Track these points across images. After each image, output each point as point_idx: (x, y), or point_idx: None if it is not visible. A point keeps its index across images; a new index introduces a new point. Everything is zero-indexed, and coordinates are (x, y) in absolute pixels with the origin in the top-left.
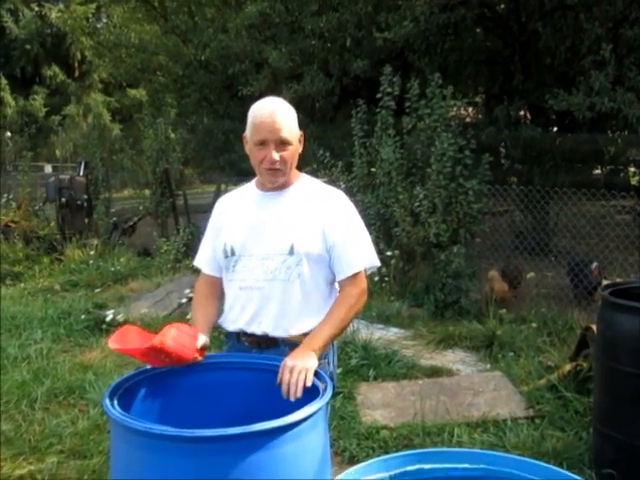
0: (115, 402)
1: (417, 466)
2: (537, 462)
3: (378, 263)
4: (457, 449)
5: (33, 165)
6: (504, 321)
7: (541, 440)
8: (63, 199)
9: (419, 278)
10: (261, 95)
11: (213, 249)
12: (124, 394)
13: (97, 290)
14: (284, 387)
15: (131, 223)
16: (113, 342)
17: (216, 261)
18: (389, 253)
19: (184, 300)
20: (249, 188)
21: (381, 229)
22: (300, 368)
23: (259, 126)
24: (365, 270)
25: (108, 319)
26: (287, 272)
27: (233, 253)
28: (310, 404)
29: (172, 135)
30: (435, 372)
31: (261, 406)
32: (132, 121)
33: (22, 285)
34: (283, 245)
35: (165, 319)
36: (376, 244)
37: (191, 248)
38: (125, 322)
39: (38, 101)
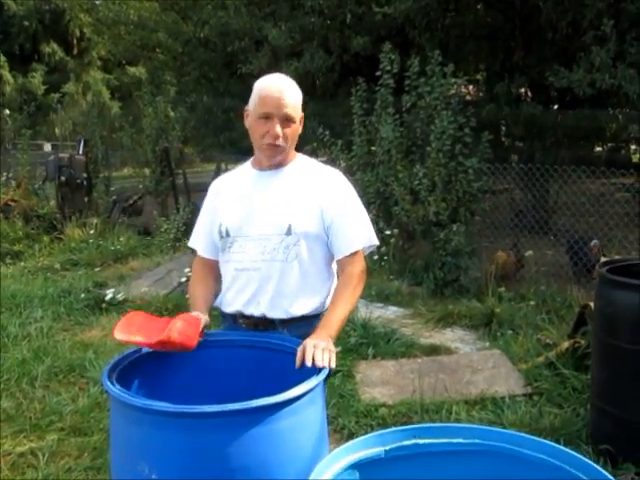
0: (114, 379)
1: (413, 441)
2: (531, 437)
3: (377, 242)
4: (452, 424)
5: (32, 144)
6: (503, 299)
7: (539, 417)
8: (63, 178)
9: (419, 256)
10: (261, 73)
11: (209, 231)
12: (124, 371)
13: (97, 269)
14: (309, 359)
15: (131, 202)
16: (119, 332)
17: (211, 243)
18: (388, 232)
19: (184, 279)
20: (245, 168)
21: (381, 208)
22: (324, 347)
23: (265, 99)
24: (364, 249)
25: (108, 298)
26: (285, 252)
27: (228, 234)
28: (308, 380)
29: (172, 113)
30: (434, 350)
31: (260, 383)
32: (132, 99)
33: (22, 264)
34: (280, 225)
35: (165, 298)
36: (375, 223)
37: (191, 227)
38: (125, 301)
39: (37, 79)
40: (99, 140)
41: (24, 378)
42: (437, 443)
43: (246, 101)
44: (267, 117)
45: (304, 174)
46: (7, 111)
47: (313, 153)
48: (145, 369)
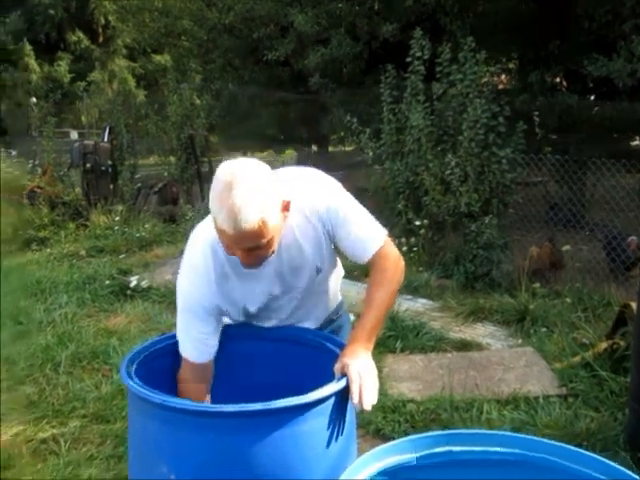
0: (133, 370)
1: (446, 448)
2: (575, 449)
3: (385, 231)
4: (489, 431)
5: (59, 131)
6: (537, 295)
7: (574, 419)
8: (88, 165)
9: (449, 249)
10: (287, 60)
11: (206, 330)
12: (144, 362)
13: (122, 256)
14: (355, 393)
15: (156, 189)
16: None
17: (209, 345)
18: (418, 222)
19: None
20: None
21: (410, 198)
22: (367, 373)
23: (220, 232)
24: (383, 243)
25: (132, 285)
26: (317, 286)
27: (255, 313)
28: (336, 380)
29: (197, 101)
30: (464, 345)
31: (289, 378)
32: (157, 87)
33: (48, 250)
34: (311, 275)
35: None
36: (404, 213)
37: None
38: (149, 288)
39: (63, 67)
40: (124, 128)
41: (48, 364)
42: (472, 451)
43: (271, 88)
44: (229, 247)
45: (299, 217)
46: (33, 99)
47: (340, 142)
48: (169, 360)
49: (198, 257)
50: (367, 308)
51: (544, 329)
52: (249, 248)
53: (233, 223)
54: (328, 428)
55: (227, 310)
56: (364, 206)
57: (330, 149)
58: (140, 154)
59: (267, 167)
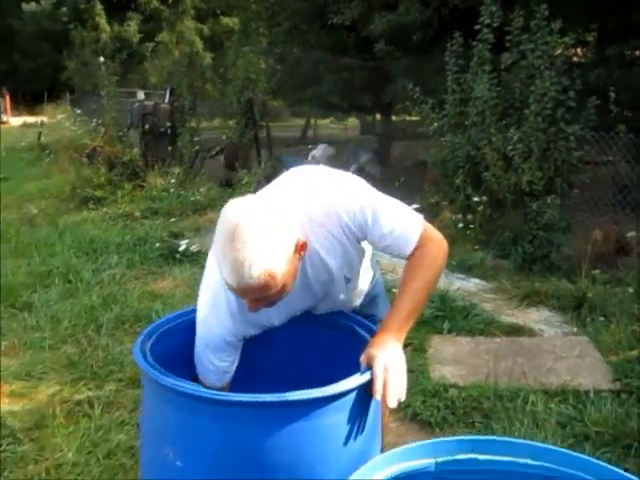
0: (149, 346)
1: (470, 455)
2: (616, 470)
3: (420, 217)
4: (519, 440)
5: (126, 91)
6: (597, 282)
7: (626, 418)
8: (146, 126)
9: (507, 228)
10: (353, 25)
11: (229, 360)
12: (163, 336)
13: (175, 219)
14: (378, 391)
15: (213, 152)
16: None
17: (230, 371)
18: (476, 199)
19: None
20: None
21: (470, 172)
22: (396, 370)
23: (226, 283)
24: (422, 230)
25: (181, 249)
26: (346, 293)
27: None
28: (360, 373)
29: (262, 64)
30: (515, 330)
31: (319, 363)
32: (224, 50)
33: (104, 210)
34: (338, 288)
35: None
36: (463, 189)
37: (272, 181)
38: (199, 253)
39: (132, 27)
40: (186, 90)
41: (91, 325)
42: (499, 461)
43: (335, 54)
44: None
45: (322, 233)
46: (102, 58)
47: (405, 112)
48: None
49: (218, 287)
50: (401, 296)
51: (602, 318)
52: (257, 299)
53: (237, 278)
54: (348, 424)
55: (251, 334)
56: (421, 180)
57: (394, 118)
58: (202, 117)
59: (278, 205)
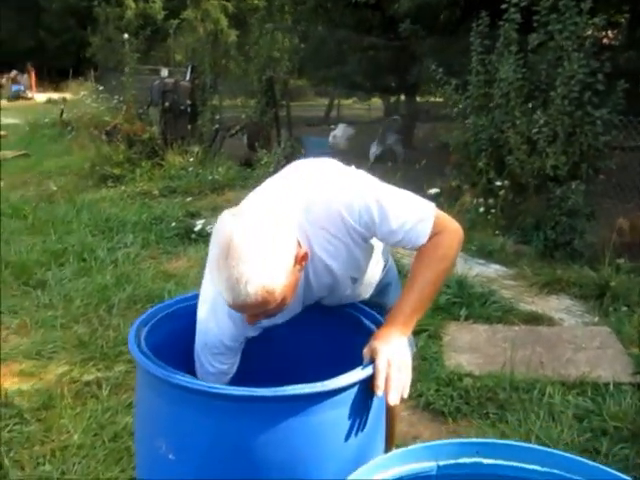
0: (144, 334)
1: (474, 459)
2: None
3: (432, 205)
4: (528, 445)
5: (150, 68)
6: (621, 271)
7: None
8: (166, 103)
9: (529, 213)
10: (378, 3)
11: (230, 362)
12: (161, 323)
13: (193, 198)
14: (380, 387)
15: (233, 132)
16: None
17: (231, 372)
18: (499, 183)
19: None
20: None
21: (492, 156)
22: (399, 365)
23: (224, 298)
24: (435, 220)
25: (197, 229)
26: (353, 290)
27: None
28: (362, 367)
29: (286, 43)
30: (534, 319)
31: (323, 354)
32: (248, 27)
33: (122, 188)
34: (344, 288)
35: None
36: (485, 172)
37: (291, 161)
38: None
39: (157, 4)
40: (208, 67)
41: (103, 305)
42: (506, 466)
43: (360, 33)
44: None
45: (324, 236)
46: (126, 35)
47: (430, 93)
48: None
49: (217, 292)
50: (410, 288)
51: (625, 308)
52: (255, 314)
53: (233, 295)
54: (347, 421)
55: (253, 335)
56: (443, 163)
57: (418, 99)
58: (226, 95)
59: (275, 212)
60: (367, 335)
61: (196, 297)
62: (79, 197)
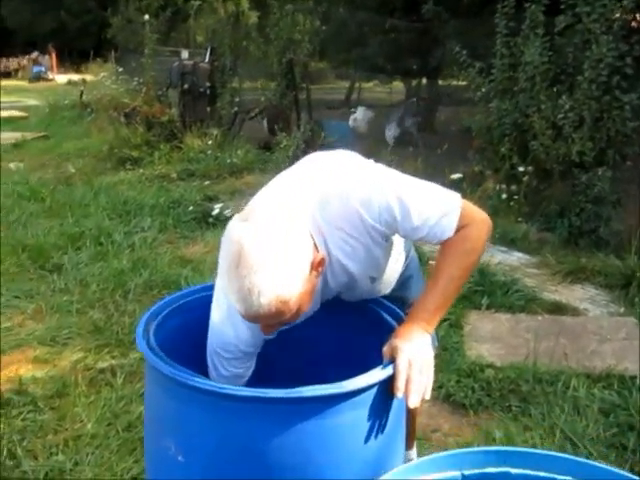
0: (154, 327)
1: (502, 469)
2: None
3: (457, 196)
4: (558, 454)
5: (170, 50)
6: None
7: None
8: (185, 85)
9: (553, 200)
10: None
11: (246, 365)
12: (171, 316)
13: (211, 181)
14: (400, 389)
15: (252, 114)
16: None
17: (246, 375)
18: (522, 169)
19: None
20: None
21: (516, 141)
22: (421, 365)
23: (237, 309)
24: (461, 212)
25: (215, 213)
26: (373, 288)
27: None
28: (382, 367)
29: (307, 25)
30: (558, 308)
31: (342, 351)
32: (268, 9)
33: (140, 170)
34: (363, 287)
35: None
36: (509, 158)
37: (311, 145)
38: (232, 217)
39: None
40: (228, 49)
41: (119, 290)
42: (535, 477)
43: (381, 15)
44: None
45: (340, 236)
46: (146, 16)
47: (453, 76)
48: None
49: None
50: (434, 282)
51: None
52: (270, 324)
53: (245, 306)
54: (365, 424)
55: (271, 338)
56: (466, 147)
57: (440, 83)
58: (244, 77)
59: (289, 215)
60: (387, 332)
61: (207, 289)
62: (97, 180)
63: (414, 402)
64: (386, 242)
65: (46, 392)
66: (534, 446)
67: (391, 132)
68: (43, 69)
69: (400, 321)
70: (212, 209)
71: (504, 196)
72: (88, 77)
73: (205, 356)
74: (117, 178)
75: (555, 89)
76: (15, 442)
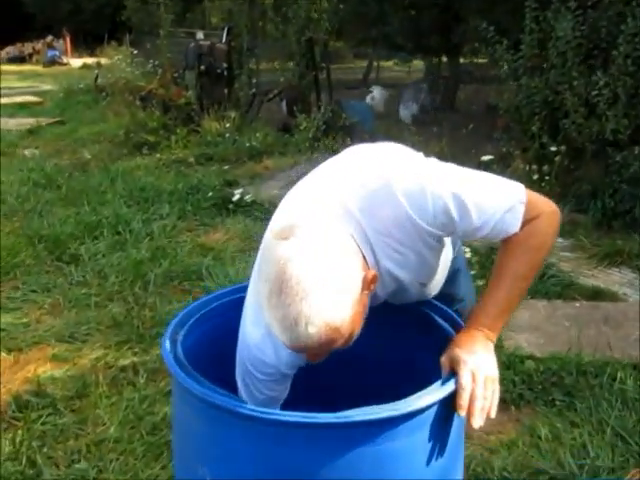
0: (181, 338)
1: None
2: None
3: (521, 187)
4: None
5: (186, 31)
6: None
7: None
8: (202, 67)
9: (586, 180)
10: None
11: (282, 387)
12: (201, 321)
13: (230, 165)
14: (463, 407)
15: (271, 96)
16: None
17: (282, 398)
18: (553, 148)
19: None
20: None
21: (546, 120)
22: (485, 379)
23: (280, 339)
24: (526, 205)
25: (235, 198)
26: (422, 292)
27: None
28: (442, 382)
29: (324, 3)
30: (596, 294)
31: (387, 354)
32: None
33: (157, 155)
34: (413, 292)
35: None
36: (539, 137)
37: (331, 126)
38: (253, 203)
39: None
40: (245, 29)
41: (138, 281)
42: None
43: None
44: None
45: (389, 244)
46: None
47: (473, 54)
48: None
49: None
50: (499, 282)
51: None
52: (319, 353)
53: (290, 338)
54: (423, 447)
55: None
56: (490, 127)
57: (461, 61)
58: (261, 58)
59: (335, 228)
60: (437, 335)
61: (236, 292)
62: (113, 166)
63: (478, 422)
64: (439, 244)
65: (66, 393)
66: (583, 444)
67: (407, 111)
68: (57, 53)
69: (451, 322)
70: (232, 195)
71: (535, 177)
72: (103, 60)
73: (233, 367)
74: (134, 163)
75: (588, 65)
76: (35, 449)
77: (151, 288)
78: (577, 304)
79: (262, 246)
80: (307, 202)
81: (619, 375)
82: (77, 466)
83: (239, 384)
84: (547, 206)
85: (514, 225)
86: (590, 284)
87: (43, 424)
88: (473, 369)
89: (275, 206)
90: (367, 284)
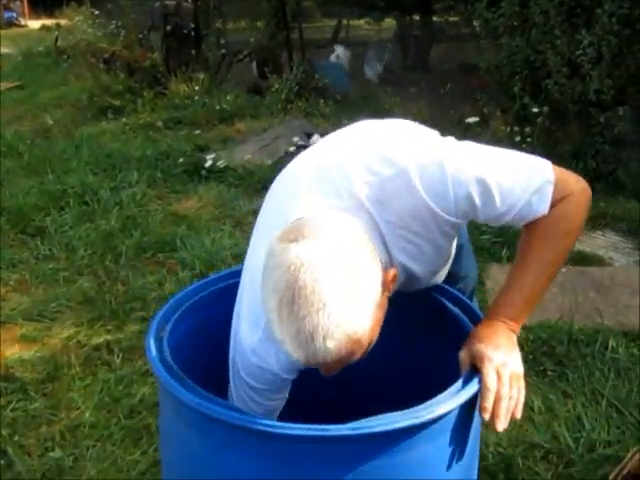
0: (167, 335)
1: None
2: None
3: (548, 164)
4: None
5: None
6: None
7: None
8: (168, 27)
9: (568, 141)
10: None
11: (282, 396)
12: (187, 315)
13: (200, 130)
14: (488, 410)
15: (241, 57)
16: None
17: (282, 406)
18: (535, 109)
19: (292, 149)
20: None
21: (528, 80)
22: (511, 373)
23: (293, 355)
24: (555, 185)
25: (207, 165)
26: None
27: None
28: (462, 383)
29: None
30: (582, 259)
31: (399, 344)
32: None
33: (123, 120)
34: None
35: (270, 168)
36: (520, 97)
37: (304, 87)
38: (226, 168)
39: None
40: None
41: (109, 254)
42: None
43: None
44: None
45: (404, 236)
46: None
47: (446, 11)
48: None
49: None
50: (521, 270)
51: None
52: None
53: (306, 353)
54: (442, 454)
55: None
56: (464, 87)
57: (435, 19)
58: (230, 18)
59: (350, 229)
60: (450, 323)
61: (221, 280)
62: (77, 131)
63: (503, 425)
64: (456, 232)
65: (36, 376)
66: (578, 416)
67: (372, 71)
68: (14, 15)
69: (463, 307)
70: (204, 160)
71: (517, 139)
72: (63, 22)
73: (224, 366)
74: (99, 129)
75: (571, 23)
76: (5, 437)
77: (123, 261)
78: (564, 269)
79: (266, 249)
80: (311, 193)
81: (611, 343)
82: (51, 454)
83: (232, 393)
84: (577, 183)
85: (542, 208)
86: (575, 248)
87: (13, 410)
88: (498, 366)
89: (249, 171)
90: (387, 285)
